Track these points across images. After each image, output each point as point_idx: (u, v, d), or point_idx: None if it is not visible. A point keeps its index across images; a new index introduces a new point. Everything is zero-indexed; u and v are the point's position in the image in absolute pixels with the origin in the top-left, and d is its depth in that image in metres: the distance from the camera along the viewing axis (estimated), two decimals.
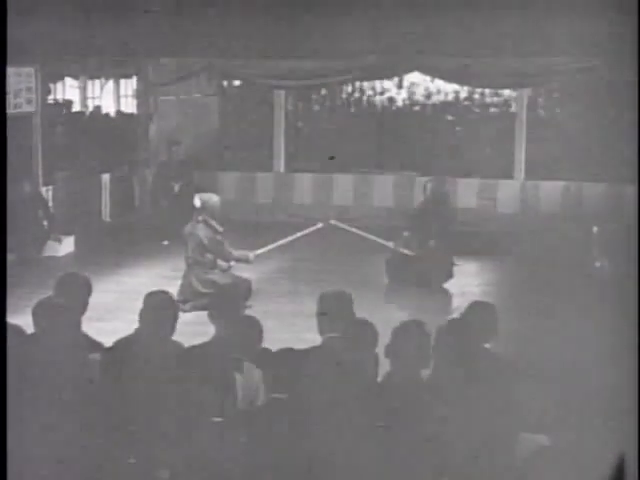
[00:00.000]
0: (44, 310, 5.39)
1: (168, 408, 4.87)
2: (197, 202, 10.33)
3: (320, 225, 11.37)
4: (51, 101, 15.90)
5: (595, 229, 12.03)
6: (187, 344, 5.63)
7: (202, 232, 10.21)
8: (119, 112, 18.10)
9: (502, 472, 4.75)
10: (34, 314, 5.41)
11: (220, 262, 10.32)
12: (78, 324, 5.56)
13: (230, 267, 10.39)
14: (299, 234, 11.24)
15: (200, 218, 10.28)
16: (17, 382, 4.72)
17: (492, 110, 16.44)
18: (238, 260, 10.44)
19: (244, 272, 10.54)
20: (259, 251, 10.77)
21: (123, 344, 5.55)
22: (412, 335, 5.11)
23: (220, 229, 10.30)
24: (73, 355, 5.20)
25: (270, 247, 11.02)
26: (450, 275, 11.28)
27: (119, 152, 15.64)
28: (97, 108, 17.40)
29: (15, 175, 11.94)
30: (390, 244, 11.55)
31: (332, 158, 11.96)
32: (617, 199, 14.00)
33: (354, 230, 11.83)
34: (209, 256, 10.24)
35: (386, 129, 16.33)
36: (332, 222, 11.73)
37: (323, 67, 13.95)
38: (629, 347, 5.24)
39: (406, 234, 11.47)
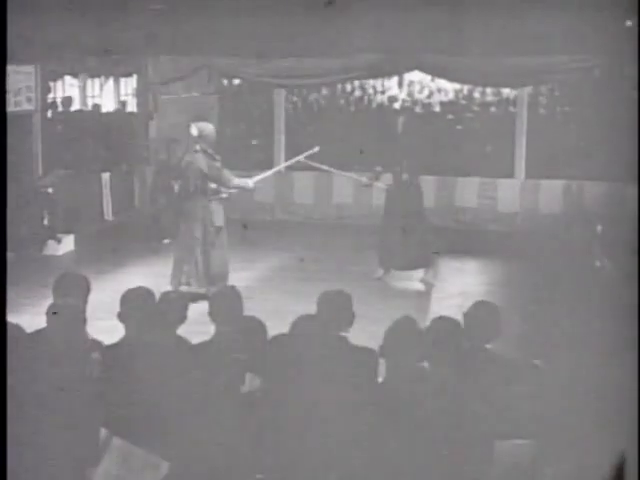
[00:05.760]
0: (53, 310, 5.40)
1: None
2: (194, 131, 10.26)
3: (316, 149, 11.28)
4: (51, 99, 15.88)
5: (599, 228, 12.01)
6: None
7: (202, 162, 10.15)
8: (119, 111, 18.07)
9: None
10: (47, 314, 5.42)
11: (222, 189, 10.30)
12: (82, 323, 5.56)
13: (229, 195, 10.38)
14: (296, 158, 11.34)
15: (198, 147, 10.22)
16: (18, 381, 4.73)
17: (492, 109, 16.40)
18: (238, 187, 10.41)
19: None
20: (257, 177, 10.78)
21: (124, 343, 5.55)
22: (405, 333, 5.08)
23: (217, 157, 10.25)
24: (77, 354, 5.21)
25: (269, 172, 11.13)
26: (428, 262, 11.20)
27: (119, 151, 15.62)
28: (97, 106, 17.36)
29: (15, 173, 11.93)
30: (363, 179, 11.67)
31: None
32: (618, 198, 13.97)
33: (324, 167, 11.97)
34: (212, 185, 10.19)
35: (386, 128, 16.28)
36: (302, 160, 11.54)
37: (323, 66, 13.92)
38: (629, 346, 5.22)
39: (378, 169, 11.54)
